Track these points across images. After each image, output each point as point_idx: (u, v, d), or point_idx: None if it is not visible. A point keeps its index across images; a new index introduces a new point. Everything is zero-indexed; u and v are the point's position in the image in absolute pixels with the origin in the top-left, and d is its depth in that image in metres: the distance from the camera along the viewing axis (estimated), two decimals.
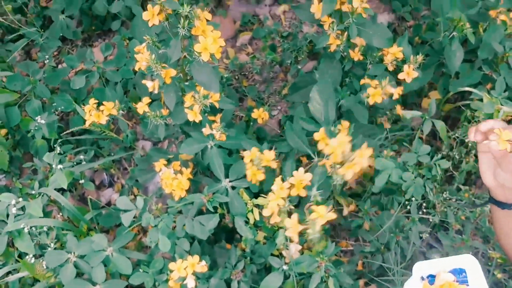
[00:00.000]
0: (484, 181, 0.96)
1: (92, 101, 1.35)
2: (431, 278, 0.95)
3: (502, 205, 0.96)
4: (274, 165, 1.16)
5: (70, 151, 1.62)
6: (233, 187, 1.26)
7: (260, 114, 1.57)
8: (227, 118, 1.37)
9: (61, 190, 1.47)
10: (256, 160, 1.14)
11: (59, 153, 1.42)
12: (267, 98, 2.02)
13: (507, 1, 1.43)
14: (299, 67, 1.95)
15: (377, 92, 1.33)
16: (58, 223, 1.32)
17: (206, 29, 1.11)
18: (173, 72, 1.18)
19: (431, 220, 1.36)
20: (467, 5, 1.54)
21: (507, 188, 0.93)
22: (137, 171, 1.67)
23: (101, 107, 1.35)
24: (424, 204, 1.39)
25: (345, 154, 1.04)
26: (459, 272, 0.98)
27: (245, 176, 1.26)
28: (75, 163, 1.55)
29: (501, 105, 1.40)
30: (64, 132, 1.60)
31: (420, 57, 1.32)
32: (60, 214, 1.46)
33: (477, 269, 0.97)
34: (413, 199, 1.32)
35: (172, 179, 1.31)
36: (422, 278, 0.98)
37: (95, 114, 1.31)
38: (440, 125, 1.52)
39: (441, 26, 1.57)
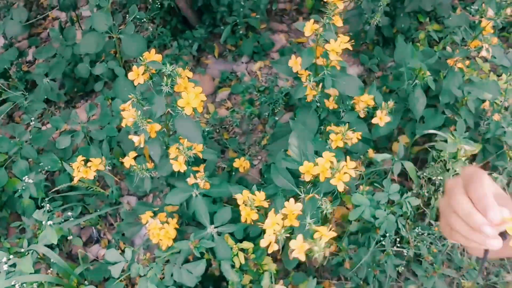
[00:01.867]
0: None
1: (80, 158, 1.41)
2: None
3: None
4: (266, 204, 1.23)
5: (58, 209, 1.67)
6: (218, 233, 1.32)
7: (241, 164, 1.65)
8: (210, 169, 1.45)
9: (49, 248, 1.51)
10: (250, 201, 1.21)
11: (49, 210, 1.47)
12: (248, 149, 2.11)
13: (462, 51, 1.56)
14: (277, 118, 2.06)
15: (338, 137, 1.42)
16: (49, 278, 1.35)
17: (187, 86, 1.21)
18: (157, 126, 1.26)
19: (405, 254, 1.44)
20: (426, 56, 1.68)
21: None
22: (123, 224, 1.71)
23: (89, 164, 1.42)
24: (398, 240, 1.46)
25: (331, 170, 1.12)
26: None
27: (229, 222, 1.32)
28: (63, 220, 1.59)
29: (463, 144, 1.52)
30: (51, 191, 1.65)
31: (391, 103, 1.43)
32: (50, 270, 1.49)
33: None
34: (387, 234, 1.40)
35: (159, 228, 1.36)
36: None
37: (83, 170, 1.38)
38: (409, 166, 1.62)
39: (404, 75, 1.70)
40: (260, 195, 1.24)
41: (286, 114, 2.16)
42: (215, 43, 2.65)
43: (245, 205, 1.23)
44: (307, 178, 1.20)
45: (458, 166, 1.54)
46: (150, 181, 1.43)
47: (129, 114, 1.22)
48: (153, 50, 1.19)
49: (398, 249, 1.43)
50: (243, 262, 1.32)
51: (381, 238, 1.43)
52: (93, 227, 1.96)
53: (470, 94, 1.65)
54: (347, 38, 1.41)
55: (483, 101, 1.70)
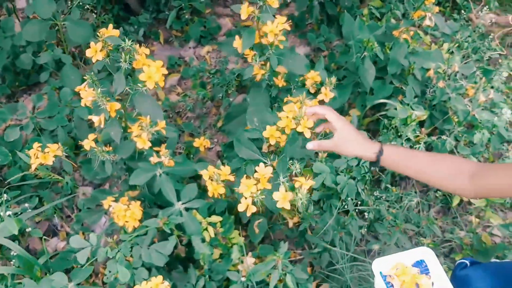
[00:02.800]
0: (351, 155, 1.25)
1: (36, 144, 1.37)
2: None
3: (375, 163, 1.15)
4: (231, 178, 1.24)
5: (12, 201, 1.61)
6: (186, 209, 1.32)
7: (201, 143, 1.66)
8: (172, 147, 1.44)
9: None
10: (216, 175, 1.22)
11: (7, 200, 1.41)
12: (203, 132, 2.11)
13: (407, 21, 1.64)
14: (231, 99, 2.07)
15: (297, 105, 1.45)
16: (13, 270, 1.30)
17: (146, 62, 1.20)
18: (117, 105, 1.24)
19: (366, 216, 1.50)
20: (372, 29, 1.75)
21: (360, 157, 1.17)
22: (83, 213, 1.68)
23: (46, 149, 1.38)
24: (359, 203, 1.52)
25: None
26: (419, 263, 1.11)
27: (196, 198, 1.33)
28: (20, 212, 1.54)
29: (413, 110, 1.60)
30: (3, 186, 1.59)
31: (333, 79, 1.47)
32: (11, 262, 1.44)
33: (434, 259, 1.11)
34: (349, 199, 1.46)
35: (124, 210, 1.35)
36: (381, 274, 1.09)
37: (41, 155, 1.34)
38: (365, 135, 1.69)
39: (353, 49, 1.76)
40: (225, 169, 1.25)
41: (239, 95, 2.18)
42: (159, 29, 2.62)
43: (211, 180, 1.24)
44: (272, 141, 1.24)
45: (409, 131, 1.62)
46: (111, 165, 1.41)
47: (87, 93, 1.19)
48: (110, 25, 1.17)
49: (359, 211, 1.49)
50: (212, 235, 1.33)
51: (342, 204, 1.48)
52: (50, 220, 1.91)
53: (415, 64, 1.73)
54: (284, 18, 1.43)
55: (427, 70, 1.79)
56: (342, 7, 2.30)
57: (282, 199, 1.07)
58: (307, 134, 1.19)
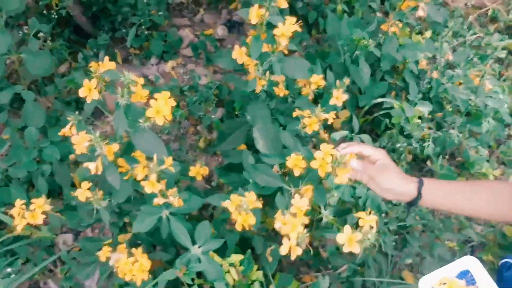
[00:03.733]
0: (387, 199, 1.10)
1: (19, 202, 1.18)
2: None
3: (412, 204, 1.07)
4: (260, 204, 1.10)
5: None
6: (203, 253, 1.18)
7: (198, 171, 1.50)
8: (171, 184, 1.28)
9: None
10: (244, 204, 1.07)
11: None
12: (185, 155, 1.96)
13: (397, 14, 1.55)
14: (213, 116, 1.92)
15: (313, 120, 1.34)
16: None
17: (143, 94, 1.05)
18: (116, 146, 1.08)
19: (391, 228, 1.40)
20: (357, 26, 1.65)
21: (397, 194, 1.07)
22: (74, 267, 1.49)
23: (31, 206, 1.19)
24: (384, 215, 1.42)
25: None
26: (464, 274, 1.02)
27: (211, 238, 1.19)
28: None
29: (419, 107, 1.51)
30: None
31: (347, 80, 1.36)
32: None
33: (480, 268, 1.03)
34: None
35: (132, 263, 1.18)
36: None
37: (29, 215, 1.15)
38: (367, 138, 1.59)
39: (340, 49, 1.65)
40: (251, 195, 1.10)
41: (218, 111, 2.04)
42: (116, 49, 2.43)
43: (238, 210, 1.09)
44: (296, 172, 1.10)
45: (415, 129, 1.54)
46: (107, 212, 1.23)
47: (82, 138, 1.01)
48: (106, 57, 1.00)
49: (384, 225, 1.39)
50: (236, 278, 1.19)
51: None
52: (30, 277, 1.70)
53: (408, 57, 1.65)
54: (295, 19, 1.31)
55: (418, 62, 1.72)
56: (310, 5, 2.21)
57: (348, 241, 0.93)
58: (344, 180, 1.06)
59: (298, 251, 0.97)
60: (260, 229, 1.54)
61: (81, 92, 0.98)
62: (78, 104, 2.08)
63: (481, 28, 2.05)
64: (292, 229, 0.95)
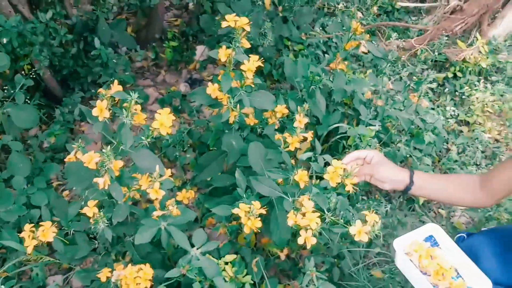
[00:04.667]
0: (384, 190, 1.38)
1: (28, 226, 1.29)
2: None
3: (405, 191, 1.33)
4: (264, 211, 1.29)
5: None
6: (201, 254, 1.32)
7: (184, 195, 1.66)
8: (165, 198, 1.43)
9: None
10: (253, 210, 1.25)
11: None
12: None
13: (343, 52, 1.84)
14: (188, 155, 2.10)
15: (294, 139, 1.54)
16: None
17: (141, 116, 1.23)
18: (121, 163, 1.24)
19: None
20: (311, 64, 1.92)
21: (393, 182, 1.33)
22: None
23: (41, 228, 1.30)
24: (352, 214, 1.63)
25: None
26: (429, 239, 1.25)
27: (206, 242, 1.34)
28: None
29: (370, 126, 1.77)
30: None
31: (306, 105, 1.59)
32: None
33: (441, 232, 1.27)
34: (342, 212, 1.55)
35: (136, 271, 1.31)
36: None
37: (41, 233, 1.26)
38: (329, 157, 1.81)
39: (298, 86, 1.91)
40: (257, 204, 1.29)
41: (191, 152, 2.22)
42: (88, 107, 2.58)
43: (247, 216, 1.27)
44: (302, 185, 1.33)
45: (367, 146, 1.78)
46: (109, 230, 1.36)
47: (91, 156, 1.17)
48: (115, 81, 1.18)
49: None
50: (232, 274, 1.33)
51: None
52: None
53: (356, 90, 1.92)
54: (257, 56, 1.55)
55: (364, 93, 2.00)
56: (265, 58, 2.48)
57: (358, 232, 1.15)
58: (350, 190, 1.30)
59: (313, 241, 1.17)
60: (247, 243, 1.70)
61: (94, 112, 1.15)
62: (56, 154, 2.20)
63: (413, 65, 2.40)
64: (310, 222, 1.16)
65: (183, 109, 2.47)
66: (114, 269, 1.50)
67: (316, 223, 1.18)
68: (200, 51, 2.90)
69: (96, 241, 1.54)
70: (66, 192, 2.09)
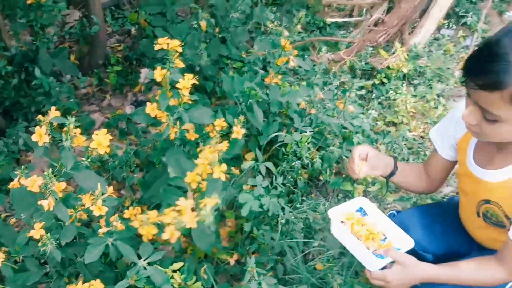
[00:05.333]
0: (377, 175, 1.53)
1: None
2: None
3: (391, 175, 1.50)
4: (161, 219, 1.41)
5: None
6: (148, 264, 1.40)
7: (132, 213, 1.72)
8: (110, 214, 1.49)
9: None
10: (145, 219, 1.40)
11: None
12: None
13: (275, 68, 1.97)
14: (136, 175, 2.17)
15: (211, 149, 1.62)
16: None
17: (82, 139, 1.32)
18: (63, 184, 1.30)
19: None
20: (244, 81, 2.04)
21: (384, 166, 1.49)
22: None
23: None
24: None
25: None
26: (359, 211, 1.42)
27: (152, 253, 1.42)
28: None
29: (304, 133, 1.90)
30: None
31: (242, 117, 1.71)
32: None
33: (370, 204, 1.47)
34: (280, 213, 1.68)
35: (88, 287, 1.37)
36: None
37: None
38: (270, 165, 1.93)
39: (237, 101, 2.03)
40: (153, 213, 1.41)
41: (138, 172, 2.29)
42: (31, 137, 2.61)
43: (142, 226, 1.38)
44: (193, 185, 1.43)
45: (304, 151, 1.92)
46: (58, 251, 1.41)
47: (34, 180, 1.24)
48: (53, 108, 1.26)
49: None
50: (180, 281, 1.41)
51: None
52: None
53: (291, 101, 2.06)
54: (192, 75, 1.65)
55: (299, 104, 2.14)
56: (207, 76, 2.59)
57: (189, 220, 1.28)
58: (223, 177, 1.41)
59: (177, 234, 1.29)
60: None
61: (33, 137, 1.23)
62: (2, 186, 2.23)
63: (343, 75, 2.58)
64: (168, 217, 1.30)
65: (129, 131, 2.53)
66: None
67: (172, 217, 1.30)
68: (145, 73, 2.98)
69: (47, 266, 1.59)
70: (14, 220, 2.12)
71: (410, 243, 1.37)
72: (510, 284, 1.38)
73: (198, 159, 1.47)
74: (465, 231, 1.51)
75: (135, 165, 2.24)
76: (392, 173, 1.49)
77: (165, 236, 1.28)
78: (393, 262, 1.31)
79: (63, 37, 3.22)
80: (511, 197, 1.25)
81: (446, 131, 1.44)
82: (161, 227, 1.41)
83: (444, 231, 1.55)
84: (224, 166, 1.44)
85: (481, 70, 1.08)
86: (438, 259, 1.42)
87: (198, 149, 1.71)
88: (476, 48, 1.12)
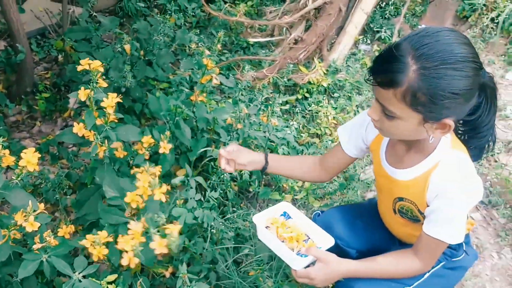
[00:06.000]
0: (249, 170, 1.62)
1: None
2: None
3: (264, 169, 1.61)
4: (111, 239, 1.46)
5: None
6: (83, 277, 1.45)
7: (66, 231, 1.77)
8: (43, 231, 1.53)
9: None
10: (97, 240, 1.42)
11: None
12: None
13: (199, 86, 2.08)
14: (68, 197, 2.19)
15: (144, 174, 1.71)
16: None
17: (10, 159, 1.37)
18: None
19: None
20: (172, 98, 2.14)
21: (252, 164, 1.59)
22: None
23: None
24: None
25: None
26: (283, 215, 1.52)
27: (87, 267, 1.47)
28: None
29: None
30: None
31: (168, 132, 1.80)
32: None
33: (293, 208, 1.56)
34: (212, 223, 1.77)
35: None
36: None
37: None
38: (200, 179, 2.02)
39: (164, 120, 2.12)
40: (103, 233, 1.44)
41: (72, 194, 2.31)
42: None
43: (94, 246, 1.42)
44: (133, 205, 1.47)
45: None
46: None
47: None
48: None
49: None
50: None
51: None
52: None
53: (217, 117, 2.18)
54: (115, 94, 1.71)
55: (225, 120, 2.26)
56: (134, 97, 2.66)
57: (158, 246, 1.29)
58: (163, 199, 1.46)
59: (136, 260, 1.32)
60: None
61: None
62: None
63: (267, 92, 2.73)
64: (127, 244, 1.31)
65: (60, 155, 2.55)
66: None
67: (131, 245, 1.32)
68: (74, 99, 3.00)
69: None
70: None
71: (330, 241, 1.47)
72: (427, 275, 1.50)
73: (139, 182, 1.48)
74: (385, 228, 1.62)
75: (67, 187, 2.27)
76: (264, 168, 1.60)
77: (124, 262, 1.32)
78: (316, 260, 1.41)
79: None
80: (421, 193, 1.33)
81: (354, 130, 1.55)
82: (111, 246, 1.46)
83: (365, 227, 1.66)
84: (164, 188, 1.50)
85: (380, 69, 1.18)
86: (362, 255, 1.51)
87: (132, 171, 1.77)
88: (382, 50, 1.22)
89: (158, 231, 1.35)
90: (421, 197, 1.34)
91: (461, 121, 1.34)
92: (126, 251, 1.33)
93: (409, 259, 1.41)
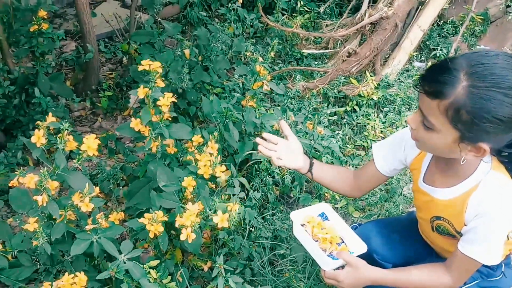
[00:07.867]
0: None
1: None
2: None
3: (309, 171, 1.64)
4: (166, 218, 1.58)
5: None
6: (128, 259, 1.57)
7: (116, 217, 1.90)
8: (95, 214, 1.67)
9: None
10: (154, 217, 1.54)
11: None
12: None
13: (251, 91, 2.18)
14: (121, 188, 2.35)
15: (202, 156, 1.82)
16: None
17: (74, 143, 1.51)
18: (56, 183, 1.49)
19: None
20: (224, 102, 2.25)
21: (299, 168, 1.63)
22: None
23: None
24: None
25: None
26: (321, 215, 1.57)
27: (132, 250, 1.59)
28: None
29: None
30: None
31: (216, 133, 1.90)
32: None
33: (331, 210, 1.61)
34: (251, 221, 1.86)
35: (72, 278, 1.53)
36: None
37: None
38: (244, 180, 2.11)
39: (215, 121, 2.23)
40: (160, 212, 1.56)
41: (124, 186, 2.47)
42: (26, 154, 2.80)
43: (151, 223, 1.53)
44: (190, 189, 1.59)
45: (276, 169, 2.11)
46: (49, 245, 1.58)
47: (30, 178, 1.42)
48: (49, 114, 1.45)
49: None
50: (156, 276, 1.58)
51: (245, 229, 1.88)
52: None
53: (265, 123, 2.27)
54: (171, 94, 1.84)
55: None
56: (189, 101, 2.80)
57: (220, 220, 1.43)
58: (223, 179, 1.58)
59: (193, 236, 1.43)
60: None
61: (32, 139, 1.41)
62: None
63: (317, 102, 2.80)
64: (187, 220, 1.44)
65: (118, 150, 2.72)
66: None
67: (192, 221, 1.45)
68: (134, 99, 3.19)
69: (38, 263, 1.76)
70: (10, 219, 2.29)
71: (363, 248, 1.51)
72: None
73: (201, 162, 1.65)
74: (423, 241, 1.63)
75: (121, 179, 2.43)
76: (311, 164, 1.62)
77: (182, 237, 1.47)
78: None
79: (60, 65, 3.46)
80: (459, 214, 1.33)
81: (391, 150, 1.56)
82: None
83: (402, 241, 1.67)
84: (223, 166, 1.63)
85: (431, 77, 1.17)
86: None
87: (187, 158, 1.89)
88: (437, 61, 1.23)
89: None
90: (458, 217, 1.34)
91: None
92: (186, 227, 1.47)
93: (441, 273, 1.42)
